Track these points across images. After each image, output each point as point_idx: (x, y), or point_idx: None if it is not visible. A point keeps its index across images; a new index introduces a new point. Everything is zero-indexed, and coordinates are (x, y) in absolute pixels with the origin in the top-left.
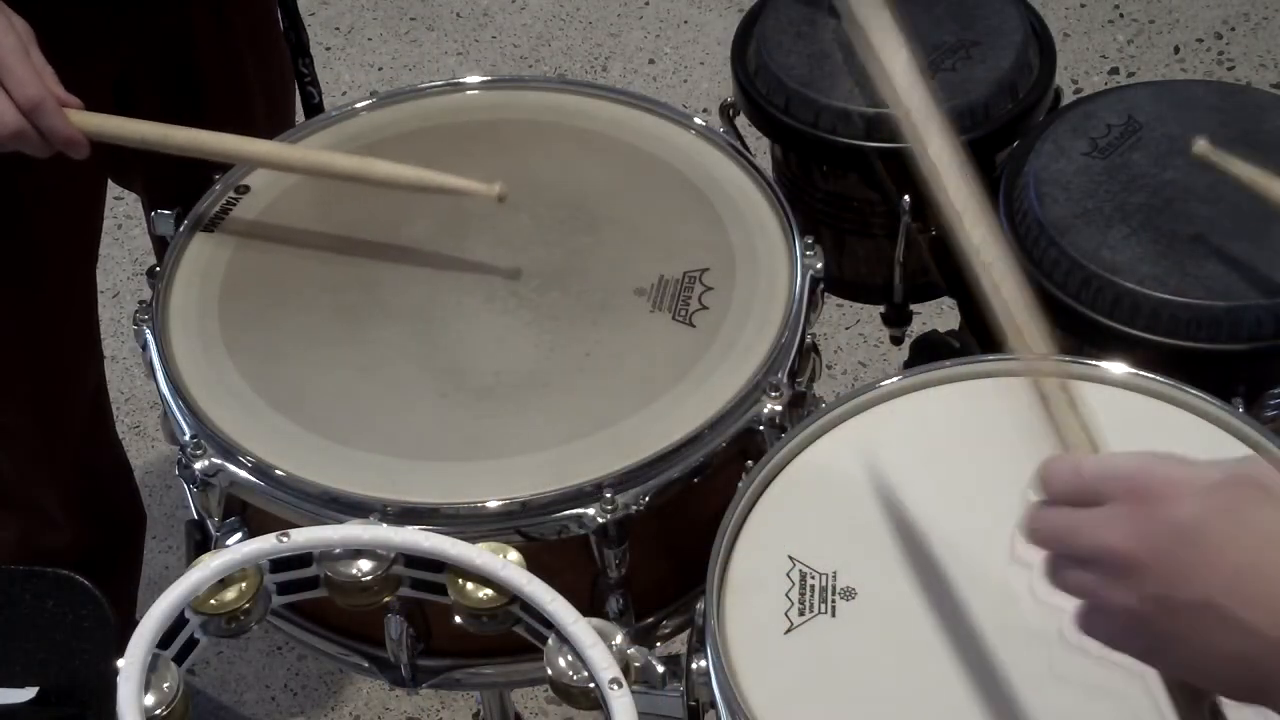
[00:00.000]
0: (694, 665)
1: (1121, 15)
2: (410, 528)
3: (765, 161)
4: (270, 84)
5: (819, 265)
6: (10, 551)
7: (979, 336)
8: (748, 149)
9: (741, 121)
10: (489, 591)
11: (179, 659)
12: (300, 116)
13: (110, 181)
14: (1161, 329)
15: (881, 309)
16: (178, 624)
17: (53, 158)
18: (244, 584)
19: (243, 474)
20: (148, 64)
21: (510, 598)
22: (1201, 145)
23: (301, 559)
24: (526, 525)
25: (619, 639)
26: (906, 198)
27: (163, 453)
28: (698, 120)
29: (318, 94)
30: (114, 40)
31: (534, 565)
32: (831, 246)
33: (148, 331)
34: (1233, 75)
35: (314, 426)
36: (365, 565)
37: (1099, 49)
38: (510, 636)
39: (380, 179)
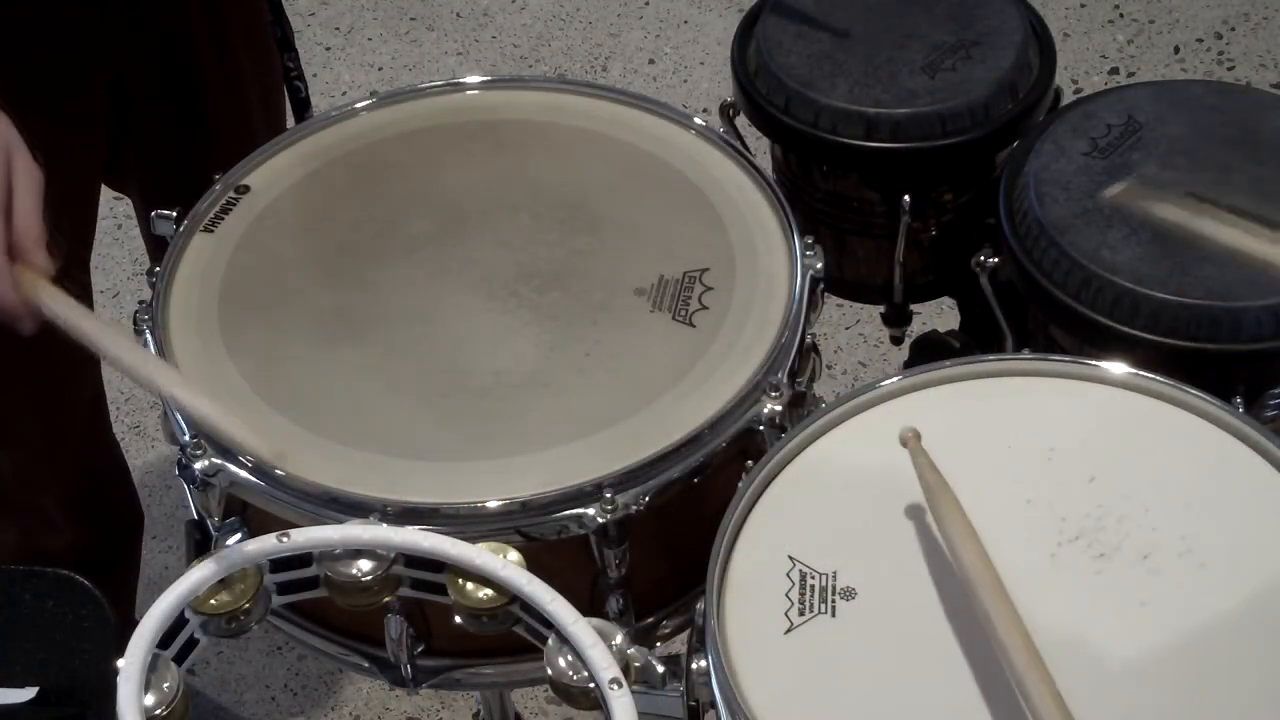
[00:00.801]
0: (694, 665)
1: (1121, 15)
2: (410, 528)
3: (765, 161)
4: (266, 84)
5: (819, 265)
6: (10, 552)
7: (979, 336)
8: (748, 149)
9: (741, 121)
10: (489, 591)
11: (179, 659)
12: (288, 111)
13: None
14: (1161, 329)
15: (881, 309)
16: (178, 624)
17: (47, 155)
18: (244, 584)
19: (243, 474)
20: (146, 64)
21: (510, 598)
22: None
23: (301, 559)
24: (526, 525)
25: (619, 639)
26: (906, 198)
27: (163, 453)
28: (698, 120)
29: (304, 88)
30: (112, 41)
31: (534, 565)
32: (831, 246)
33: (148, 331)
34: (1233, 75)
35: (314, 426)
36: (365, 565)
37: (1099, 49)
38: (510, 636)
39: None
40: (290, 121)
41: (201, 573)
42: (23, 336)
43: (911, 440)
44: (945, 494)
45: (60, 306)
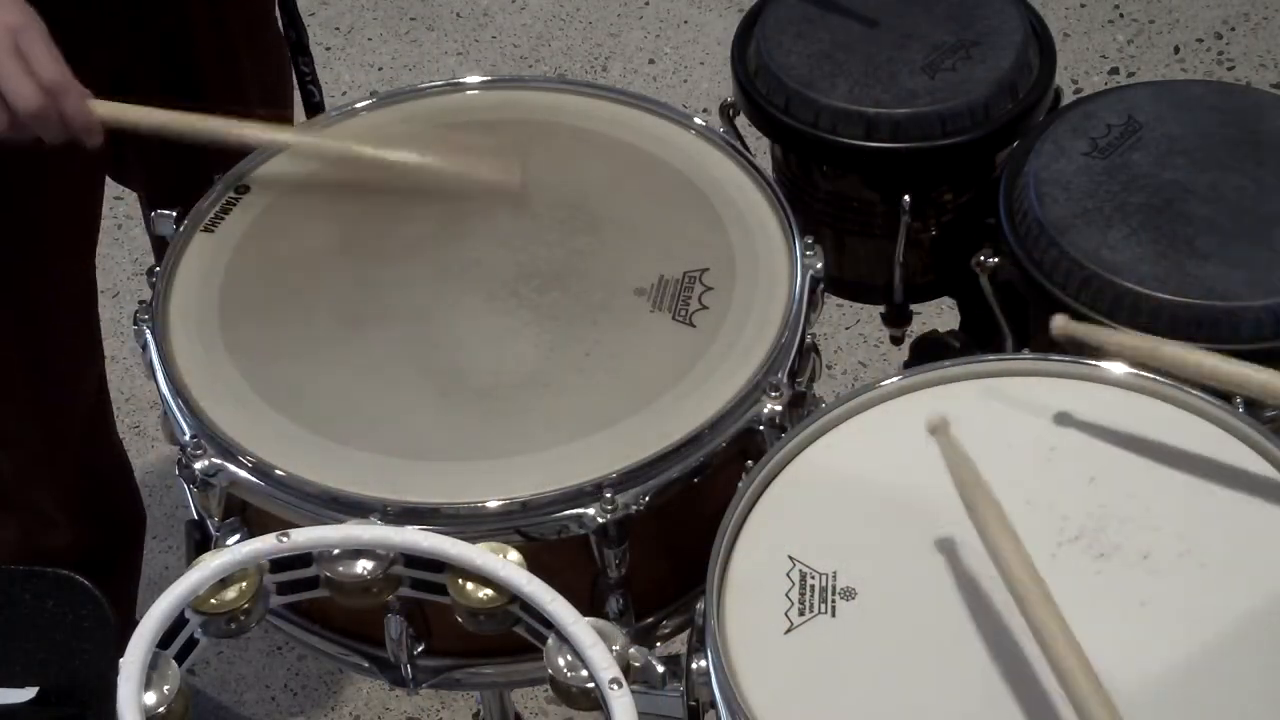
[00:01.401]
0: (694, 665)
1: (1121, 15)
2: (410, 528)
3: (765, 161)
4: (267, 83)
5: (819, 265)
6: (10, 552)
7: (979, 336)
8: (748, 149)
9: (741, 121)
10: (489, 591)
11: (179, 659)
12: (300, 115)
13: (110, 180)
14: (1161, 329)
15: (881, 309)
16: (178, 624)
17: (51, 152)
18: (244, 584)
19: (243, 474)
20: (146, 64)
21: (510, 598)
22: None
23: (301, 559)
24: (526, 525)
25: (619, 640)
26: (906, 198)
27: (163, 453)
28: (698, 120)
29: (318, 92)
30: (112, 40)
31: (534, 565)
32: (831, 246)
33: (148, 331)
34: (1233, 75)
35: (314, 426)
36: (365, 565)
37: (1099, 49)
38: (510, 636)
39: (396, 166)
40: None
41: (201, 573)
42: (21, 331)
43: (941, 430)
44: (980, 491)
45: (123, 112)
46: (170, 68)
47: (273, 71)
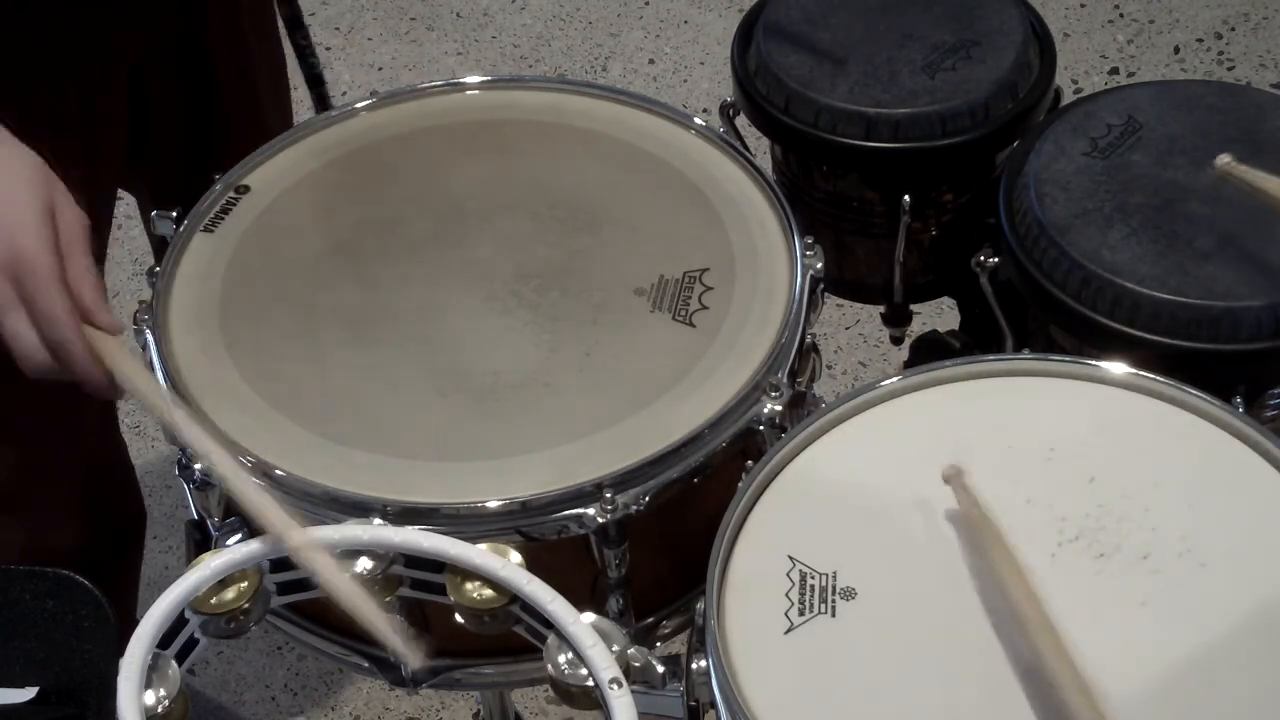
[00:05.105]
0: (694, 665)
1: (1121, 15)
2: (410, 528)
3: (765, 161)
4: (271, 66)
5: (819, 265)
6: (17, 551)
7: (979, 336)
8: (748, 149)
9: (741, 121)
10: (489, 591)
11: (179, 659)
12: (303, 90)
13: None
14: (1161, 329)
15: (881, 309)
16: (178, 624)
17: (52, 151)
18: (244, 584)
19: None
20: (163, 55)
21: (510, 598)
22: (1224, 160)
23: None
24: (526, 525)
25: (620, 640)
26: (906, 198)
27: (163, 453)
28: (698, 120)
29: (318, 64)
30: (131, 34)
31: (534, 565)
32: (831, 246)
33: (148, 331)
34: (1233, 75)
35: (314, 426)
36: (365, 565)
37: (1099, 49)
38: (510, 636)
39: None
40: (302, 104)
41: (201, 573)
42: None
43: (955, 478)
44: (990, 535)
45: (130, 374)
46: (185, 57)
47: (274, 56)
